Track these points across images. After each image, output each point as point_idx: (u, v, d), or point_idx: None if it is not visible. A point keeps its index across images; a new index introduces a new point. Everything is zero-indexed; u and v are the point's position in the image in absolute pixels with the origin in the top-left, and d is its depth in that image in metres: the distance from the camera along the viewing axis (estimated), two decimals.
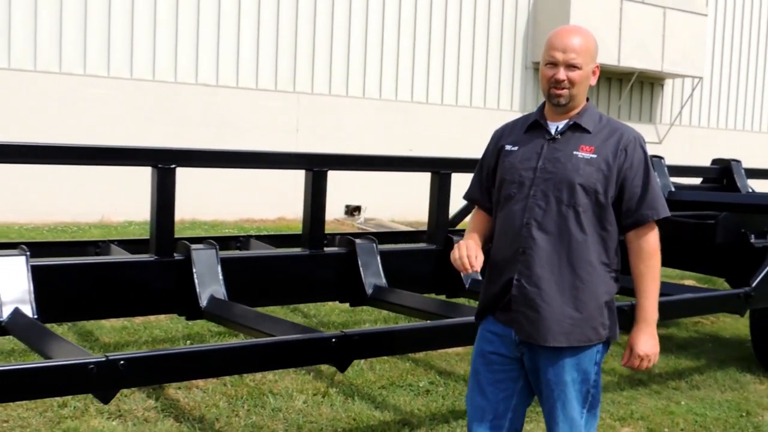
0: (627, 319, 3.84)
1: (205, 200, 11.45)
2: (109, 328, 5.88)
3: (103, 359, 2.82)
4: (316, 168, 4.67)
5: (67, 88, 11.26)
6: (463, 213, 6.63)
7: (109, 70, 11.61)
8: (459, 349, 5.74)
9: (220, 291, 4.27)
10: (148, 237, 5.48)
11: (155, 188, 4.18)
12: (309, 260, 4.74)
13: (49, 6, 11.15)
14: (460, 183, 5.54)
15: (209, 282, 4.26)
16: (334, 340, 3.32)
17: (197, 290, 4.22)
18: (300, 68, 13.19)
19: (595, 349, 2.86)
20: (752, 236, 6.40)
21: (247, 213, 12.56)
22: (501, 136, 3.06)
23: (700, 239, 6.33)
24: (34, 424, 4.14)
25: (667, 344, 6.59)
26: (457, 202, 5.40)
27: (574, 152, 2.82)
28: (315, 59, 13.31)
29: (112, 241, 5.38)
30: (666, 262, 6.95)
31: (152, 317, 6.07)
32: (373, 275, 4.84)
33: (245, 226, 11.77)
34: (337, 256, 4.86)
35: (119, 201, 11.42)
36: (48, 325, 3.65)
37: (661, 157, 6.54)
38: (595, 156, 2.80)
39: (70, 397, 4.28)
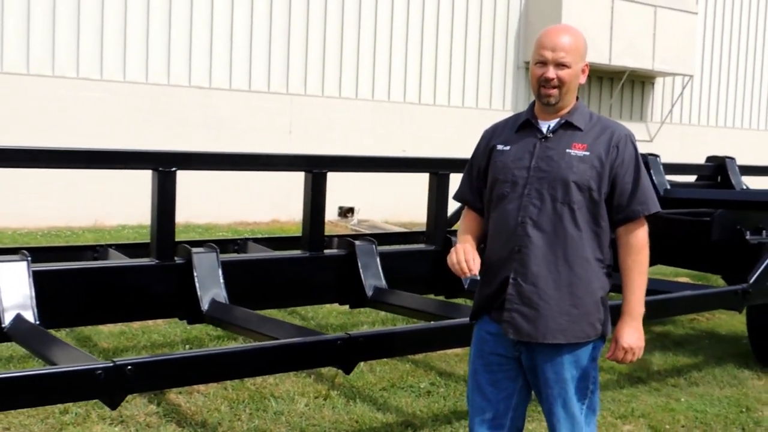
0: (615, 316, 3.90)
1: (198, 203, 11.42)
2: (107, 333, 5.86)
3: (111, 365, 2.81)
4: (316, 169, 4.66)
5: (60, 91, 11.22)
6: (459, 213, 6.63)
7: (102, 73, 11.58)
8: (458, 350, 5.74)
9: (221, 294, 4.26)
10: (145, 241, 5.48)
11: (156, 191, 4.17)
12: (309, 262, 4.73)
13: (42, 9, 11.11)
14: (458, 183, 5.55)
15: (210, 285, 4.25)
16: (339, 342, 3.32)
17: (198, 294, 4.21)
18: (293, 70, 13.19)
19: (592, 344, 2.89)
20: (748, 233, 6.44)
21: (240, 216, 12.55)
22: (492, 136, 3.07)
23: (697, 237, 6.37)
24: (35, 431, 4.12)
25: (664, 341, 6.62)
26: (453, 203, 5.43)
27: (567, 150, 2.84)
28: (308, 60, 13.31)
29: (110, 246, 5.36)
30: (663, 259, 7.04)
31: (150, 322, 6.04)
32: (372, 277, 4.84)
33: (239, 228, 11.76)
34: (337, 258, 4.85)
35: (112, 205, 11.39)
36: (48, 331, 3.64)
37: (656, 155, 6.57)
38: (587, 153, 2.82)
39: (71, 403, 4.26)
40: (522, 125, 2.97)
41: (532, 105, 2.98)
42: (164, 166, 4.14)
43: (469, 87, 15.07)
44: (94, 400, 3.74)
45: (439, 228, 5.31)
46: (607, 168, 2.82)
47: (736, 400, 5.16)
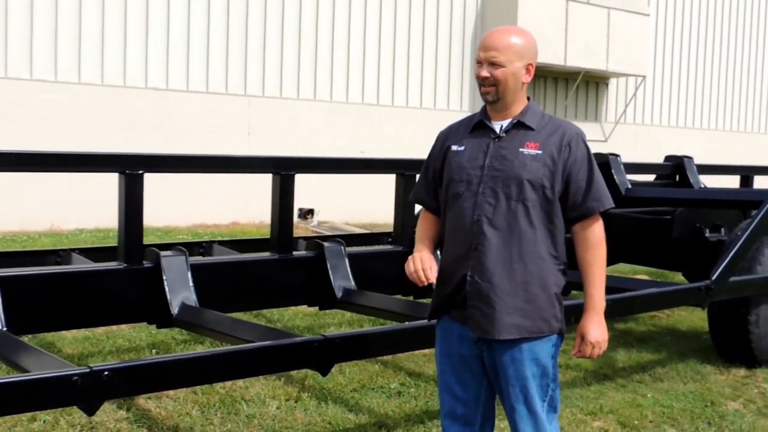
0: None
1: (156, 206, 11.26)
2: (71, 338, 5.76)
3: (87, 370, 2.77)
4: (284, 171, 4.65)
5: (13, 93, 11.00)
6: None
7: (56, 75, 11.38)
8: (426, 350, 5.75)
9: (191, 298, 4.23)
10: (106, 245, 5.39)
11: (123, 195, 4.12)
12: (279, 264, 4.73)
13: None
14: None
15: (180, 289, 4.22)
16: (316, 344, 3.31)
17: (168, 298, 4.18)
18: (251, 71, 13.12)
19: (551, 342, 2.92)
20: (707, 231, 6.58)
21: (199, 218, 12.45)
22: (446, 138, 3.10)
23: (658, 235, 6.48)
24: None
25: (627, 338, 6.72)
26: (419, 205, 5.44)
27: (520, 149, 2.87)
28: (266, 62, 13.25)
29: (73, 250, 5.29)
30: (625, 257, 7.13)
31: (114, 327, 5.96)
32: (342, 278, 4.85)
33: (199, 231, 11.66)
34: (307, 259, 4.86)
35: (69, 208, 11.22)
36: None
37: (617, 155, 6.67)
38: (540, 152, 2.87)
39: (40, 411, 4.17)
40: (476, 126, 3.01)
41: (485, 106, 3.03)
42: (131, 169, 4.11)
43: (427, 88, 15.14)
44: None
45: (407, 229, 5.33)
46: (560, 166, 2.87)
47: (700, 395, 5.25)
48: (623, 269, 8.32)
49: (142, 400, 4.61)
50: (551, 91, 16.89)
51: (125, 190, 4.10)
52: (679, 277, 8.65)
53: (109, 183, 10.75)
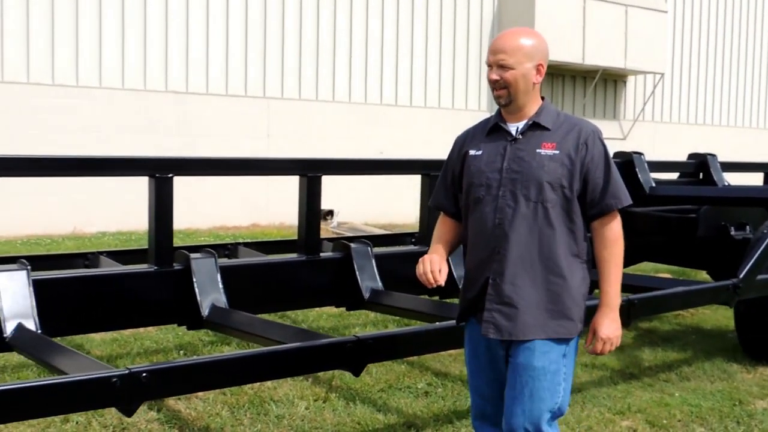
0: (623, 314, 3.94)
1: (176, 209, 11.31)
2: (99, 340, 5.81)
3: (126, 372, 2.80)
4: (311, 173, 4.67)
5: (34, 97, 11.10)
6: None
7: (77, 79, 11.47)
8: (452, 351, 5.77)
9: (220, 299, 4.25)
10: (133, 247, 5.41)
11: (153, 198, 4.15)
12: (307, 266, 4.74)
13: (16, 15, 10.98)
14: None
15: (210, 291, 4.24)
16: (349, 344, 3.33)
17: (198, 299, 4.19)
18: (269, 73, 13.16)
19: (568, 340, 2.92)
20: (732, 229, 6.55)
21: (219, 220, 12.50)
22: (464, 142, 3.12)
23: (683, 233, 6.45)
24: None
25: (652, 337, 6.70)
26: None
27: (537, 150, 2.89)
28: (284, 64, 13.29)
29: (101, 253, 5.33)
30: (649, 256, 7.11)
31: (142, 328, 6.01)
32: (369, 279, 4.85)
33: (220, 233, 11.71)
34: (334, 261, 4.86)
35: (91, 212, 11.30)
36: None
37: (641, 153, 6.65)
38: (557, 152, 2.88)
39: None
40: (492, 129, 3.03)
41: (500, 109, 3.04)
42: (161, 173, 4.13)
43: (445, 88, 15.14)
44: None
45: (432, 230, 5.31)
46: (577, 165, 2.88)
47: (728, 394, 5.23)
48: (645, 267, 8.29)
49: (172, 401, 4.65)
50: (569, 90, 16.85)
51: (155, 193, 4.13)
52: (701, 275, 8.62)
53: (130, 187, 10.81)
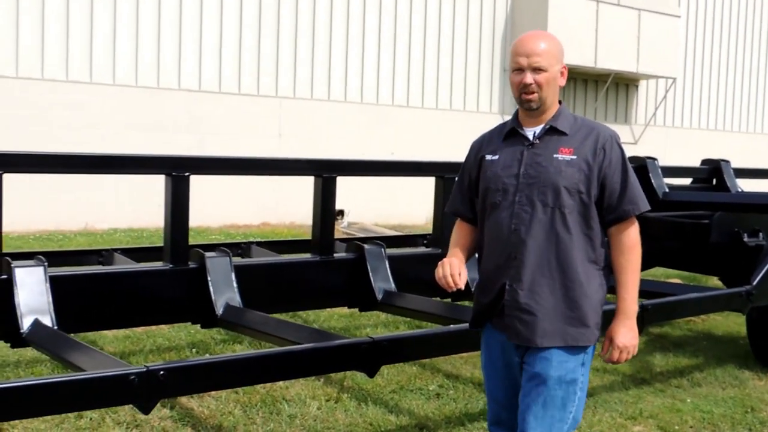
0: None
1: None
2: (111, 337, 5.84)
3: (144, 369, 2.82)
4: (326, 174, 4.68)
5: (48, 94, 11.15)
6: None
7: (91, 76, 11.52)
8: (463, 353, 5.77)
9: (235, 299, 4.26)
10: (145, 245, 5.41)
11: (170, 196, 4.17)
12: (320, 266, 4.75)
13: (31, 12, 11.03)
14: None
15: (224, 290, 4.26)
16: (364, 345, 3.34)
17: (213, 298, 4.21)
18: (282, 73, 13.19)
19: (584, 348, 2.89)
20: (745, 235, 6.53)
21: (230, 219, 12.53)
22: (480, 147, 3.09)
23: (696, 239, 6.43)
24: None
25: (663, 343, 6.69)
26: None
27: (555, 155, 2.86)
28: (297, 63, 13.31)
29: (115, 250, 5.36)
30: (662, 261, 7.09)
31: (154, 326, 6.03)
32: (382, 280, 4.87)
33: (231, 232, 11.74)
34: (347, 261, 4.87)
35: (103, 208, 11.35)
36: None
37: (654, 159, 6.63)
38: (575, 157, 2.84)
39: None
40: (508, 134, 3.00)
41: (517, 113, 3.01)
42: (178, 171, 4.15)
43: (457, 89, 15.14)
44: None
45: (446, 232, 5.33)
46: (595, 170, 2.84)
47: (740, 401, 5.22)
48: (655, 273, 8.27)
49: (184, 399, 4.67)
50: (581, 93, 16.82)
51: (172, 191, 4.15)
52: (711, 281, 8.61)
53: (141, 184, 10.85)
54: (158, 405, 4.48)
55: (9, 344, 3.77)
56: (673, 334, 7.04)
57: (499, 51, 15.59)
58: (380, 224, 13.52)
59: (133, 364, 3.34)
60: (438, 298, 5.19)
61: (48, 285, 3.76)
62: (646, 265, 6.86)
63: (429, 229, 5.82)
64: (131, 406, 3.82)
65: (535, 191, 2.85)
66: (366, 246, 4.89)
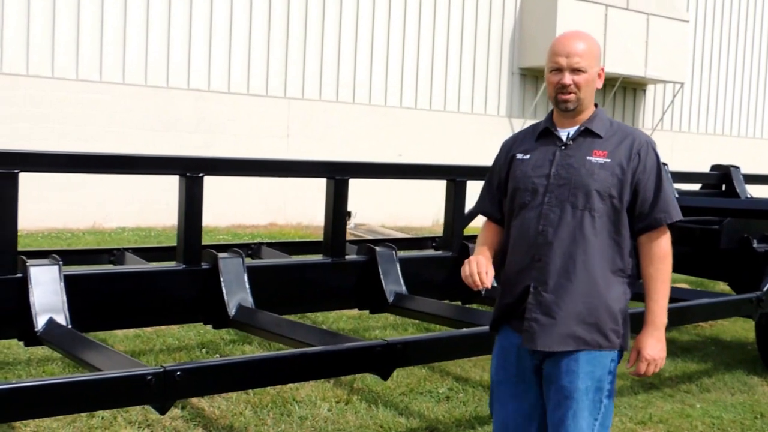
0: (639, 324, 3.93)
1: None
2: (121, 336, 5.86)
3: (161, 370, 2.83)
4: (338, 176, 4.69)
5: (59, 92, 11.18)
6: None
7: (101, 75, 11.55)
8: (472, 357, 5.79)
9: (247, 299, 4.28)
10: (156, 245, 5.42)
11: (183, 197, 4.18)
12: (332, 268, 4.76)
13: (42, 11, 11.07)
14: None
15: (236, 290, 4.28)
16: (378, 348, 3.35)
17: (225, 299, 4.23)
18: (291, 74, 13.21)
19: (609, 357, 2.83)
20: (755, 241, 6.53)
21: (237, 219, 12.56)
22: (511, 146, 3.04)
23: (706, 244, 6.44)
24: None
25: (671, 348, 6.63)
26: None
27: (588, 157, 2.81)
28: (306, 65, 13.34)
29: (126, 249, 5.38)
30: (672, 266, 7.08)
31: (164, 326, 6.05)
32: (393, 282, 4.88)
33: (238, 232, 11.76)
34: (359, 263, 4.89)
35: (111, 207, 11.38)
36: None
37: (665, 164, 6.63)
38: (608, 161, 2.79)
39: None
40: (541, 133, 2.95)
41: (551, 113, 2.97)
42: (192, 172, 4.17)
43: (465, 92, 15.15)
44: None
45: (456, 235, 5.35)
46: (628, 175, 2.79)
47: (749, 407, 5.23)
48: None
49: (195, 399, 4.68)
50: None
51: (186, 192, 4.16)
52: (719, 286, 8.60)
53: (149, 183, 10.85)
54: None
55: (23, 342, 3.79)
56: (681, 339, 7.04)
57: (507, 54, 15.60)
58: (387, 226, 13.53)
59: (143, 363, 3.35)
60: (448, 301, 5.21)
61: (63, 284, 3.78)
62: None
63: (435, 231, 5.84)
64: (142, 405, 3.87)
65: (565, 193, 2.79)
66: (377, 248, 4.91)
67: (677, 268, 7.04)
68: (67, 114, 11.15)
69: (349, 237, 9.24)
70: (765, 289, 5.16)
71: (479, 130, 14.97)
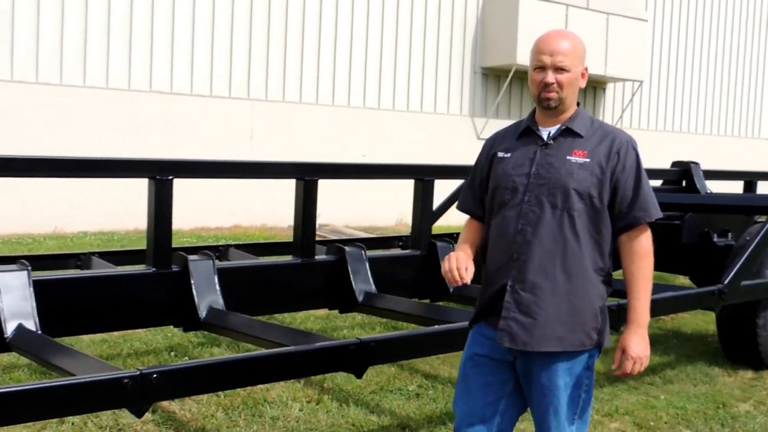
0: (614, 319, 4.00)
1: None
2: (88, 341, 5.81)
3: (137, 373, 2.83)
4: (308, 177, 4.71)
5: (19, 95, 11.04)
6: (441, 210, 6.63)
7: (61, 78, 11.42)
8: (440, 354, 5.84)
9: (218, 301, 4.28)
10: (120, 248, 5.38)
11: (153, 200, 4.17)
12: (302, 269, 4.78)
13: (0, 13, 10.91)
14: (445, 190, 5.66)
15: (207, 293, 4.28)
16: (352, 347, 3.38)
17: (196, 301, 4.23)
18: (254, 75, 13.18)
19: (588, 353, 2.87)
20: (715, 235, 6.68)
21: (201, 221, 12.48)
22: (493, 144, 3.06)
23: (667, 239, 6.57)
24: None
25: None
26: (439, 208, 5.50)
27: (568, 157, 2.82)
28: (269, 66, 13.31)
29: (93, 254, 5.35)
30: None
31: (130, 330, 6.01)
32: (362, 282, 4.91)
33: (202, 234, 11.71)
34: (328, 263, 4.92)
35: (72, 212, 11.25)
36: None
37: None
38: (588, 160, 2.81)
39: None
40: (523, 132, 2.96)
41: (533, 112, 2.99)
42: (161, 175, 4.16)
43: (428, 92, 15.22)
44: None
45: (424, 234, 5.40)
46: (608, 175, 2.80)
47: (711, 397, 5.35)
48: (617, 273, 8.40)
49: (165, 402, 4.67)
50: None
51: (155, 195, 4.15)
52: (679, 280, 8.77)
53: (111, 187, 10.74)
54: None
55: None
56: None
57: (470, 54, 15.70)
58: (351, 226, 13.54)
59: (118, 367, 3.35)
60: (417, 299, 5.26)
61: (32, 289, 3.76)
62: (616, 265, 7.02)
63: (400, 230, 5.88)
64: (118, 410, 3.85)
65: (544, 192, 2.81)
66: (347, 248, 4.94)
67: None
68: (28, 117, 11.00)
69: (319, 238, 9.27)
70: (726, 281, 5.28)
71: (442, 130, 15.06)
